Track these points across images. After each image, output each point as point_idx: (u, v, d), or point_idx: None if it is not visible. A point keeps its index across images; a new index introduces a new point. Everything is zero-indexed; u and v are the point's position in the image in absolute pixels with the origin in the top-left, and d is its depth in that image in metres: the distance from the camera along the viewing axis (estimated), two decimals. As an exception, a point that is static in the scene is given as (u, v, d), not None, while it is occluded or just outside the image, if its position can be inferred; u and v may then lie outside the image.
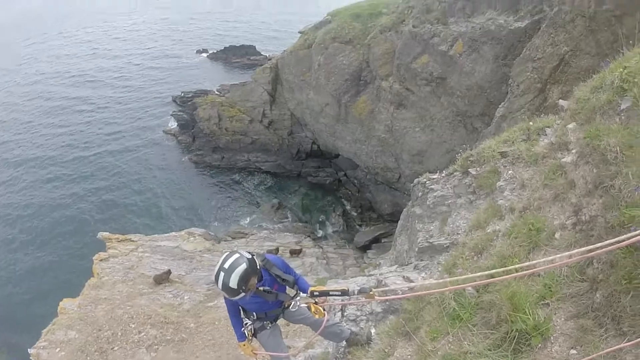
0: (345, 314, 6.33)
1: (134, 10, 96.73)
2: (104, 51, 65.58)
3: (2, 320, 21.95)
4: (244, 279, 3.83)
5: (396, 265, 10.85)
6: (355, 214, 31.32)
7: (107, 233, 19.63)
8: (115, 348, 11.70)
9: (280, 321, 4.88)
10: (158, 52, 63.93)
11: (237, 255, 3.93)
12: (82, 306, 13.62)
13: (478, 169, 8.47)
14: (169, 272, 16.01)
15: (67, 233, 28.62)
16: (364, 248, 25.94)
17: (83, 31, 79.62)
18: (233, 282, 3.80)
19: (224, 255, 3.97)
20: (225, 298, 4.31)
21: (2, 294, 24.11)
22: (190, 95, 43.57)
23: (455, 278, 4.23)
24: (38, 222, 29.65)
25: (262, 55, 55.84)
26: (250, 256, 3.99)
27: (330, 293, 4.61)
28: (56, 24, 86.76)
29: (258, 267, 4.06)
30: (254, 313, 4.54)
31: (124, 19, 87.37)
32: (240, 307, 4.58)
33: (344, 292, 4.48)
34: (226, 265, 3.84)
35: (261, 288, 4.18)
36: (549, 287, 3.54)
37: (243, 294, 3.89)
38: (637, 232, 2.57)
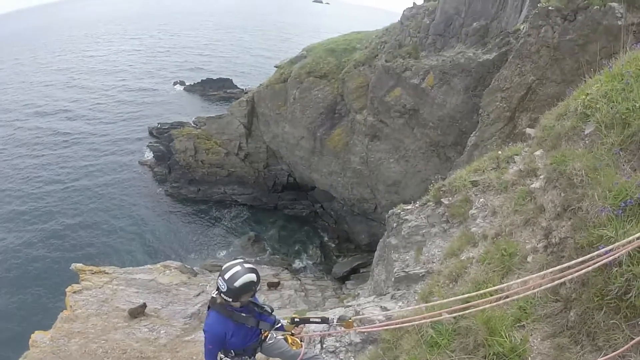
0: (324, 345, 6.24)
1: (110, 40, 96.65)
2: (78, 80, 64.54)
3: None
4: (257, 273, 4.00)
5: (374, 296, 10.79)
6: (332, 245, 31.17)
7: (81, 264, 18.70)
8: (90, 384, 11.18)
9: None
10: (134, 83, 63.40)
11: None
12: (55, 339, 12.96)
13: (450, 198, 8.60)
14: (144, 305, 15.43)
15: (40, 263, 27.46)
16: (343, 279, 25.68)
17: (58, 58, 78.69)
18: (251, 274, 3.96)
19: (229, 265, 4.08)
20: (207, 337, 4.21)
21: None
22: (166, 127, 43.25)
23: (432, 304, 4.22)
24: (10, 255, 28.31)
25: (238, 88, 56.32)
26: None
27: (311, 320, 4.63)
28: (29, 50, 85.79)
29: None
30: (232, 350, 4.43)
31: (100, 49, 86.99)
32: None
33: (324, 320, 4.49)
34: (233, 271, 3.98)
35: (243, 314, 4.15)
36: (524, 310, 3.58)
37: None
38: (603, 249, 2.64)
